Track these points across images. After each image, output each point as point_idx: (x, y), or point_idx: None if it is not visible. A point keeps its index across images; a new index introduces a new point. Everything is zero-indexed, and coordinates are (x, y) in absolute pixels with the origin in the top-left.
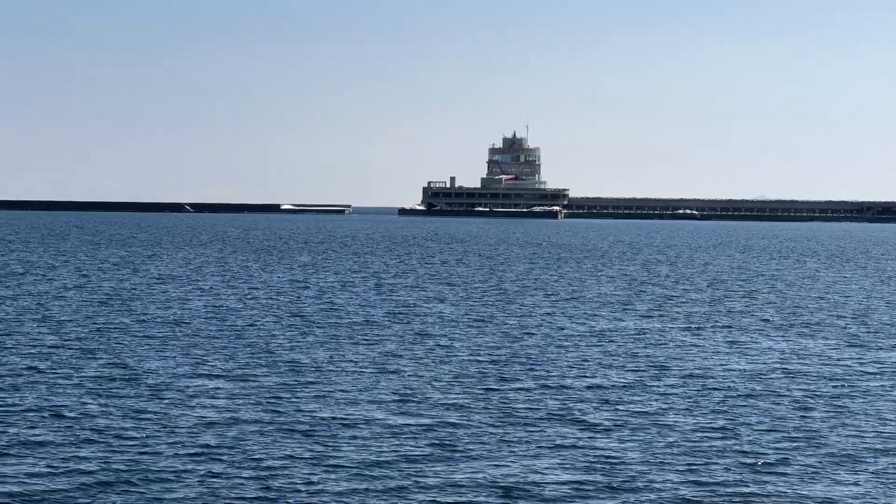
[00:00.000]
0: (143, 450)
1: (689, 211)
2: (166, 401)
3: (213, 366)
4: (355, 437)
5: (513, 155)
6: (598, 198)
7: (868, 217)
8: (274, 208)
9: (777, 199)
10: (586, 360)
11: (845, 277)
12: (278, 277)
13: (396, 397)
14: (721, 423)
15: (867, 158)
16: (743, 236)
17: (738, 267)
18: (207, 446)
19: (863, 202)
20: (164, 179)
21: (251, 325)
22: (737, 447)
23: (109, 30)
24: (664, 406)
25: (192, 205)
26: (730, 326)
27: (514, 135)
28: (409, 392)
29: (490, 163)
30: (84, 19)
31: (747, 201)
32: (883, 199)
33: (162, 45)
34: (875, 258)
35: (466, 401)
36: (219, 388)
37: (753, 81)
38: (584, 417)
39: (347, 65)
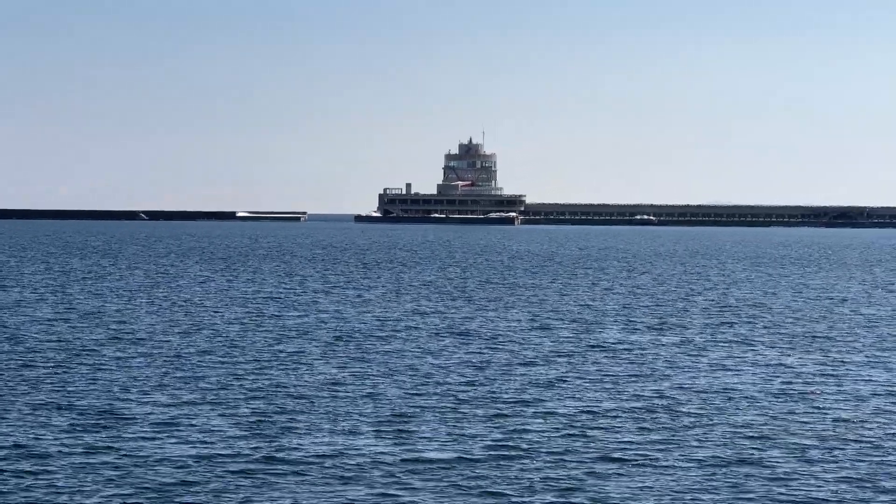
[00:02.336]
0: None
1: (645, 216)
2: (137, 429)
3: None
4: (343, 467)
5: (469, 161)
6: (555, 204)
7: (825, 221)
8: (229, 216)
9: (734, 203)
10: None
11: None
12: (257, 288)
13: (382, 423)
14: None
15: (825, 163)
16: (725, 242)
17: (762, 282)
18: (185, 482)
19: (820, 207)
20: (118, 187)
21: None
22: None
23: (55, 36)
24: (672, 434)
25: (146, 213)
26: (743, 342)
27: (471, 141)
28: (398, 418)
29: (446, 169)
30: (30, 27)
31: (704, 206)
32: (840, 204)
33: (118, 49)
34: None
35: (467, 430)
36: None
37: (712, 87)
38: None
39: (302, 73)
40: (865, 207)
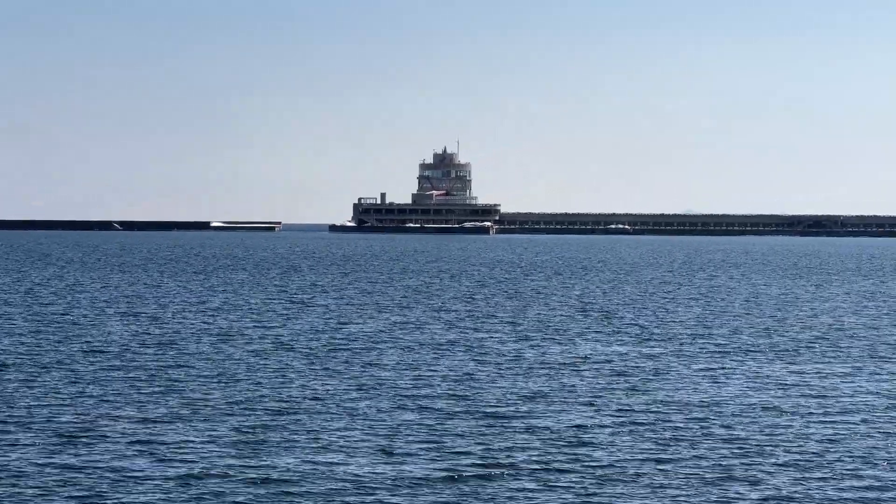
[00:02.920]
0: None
1: (620, 226)
2: (122, 446)
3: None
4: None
5: (443, 170)
6: (530, 213)
7: (799, 230)
8: (204, 226)
9: (709, 213)
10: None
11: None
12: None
13: (366, 440)
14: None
15: (799, 172)
16: (711, 251)
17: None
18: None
19: (793, 216)
20: (91, 197)
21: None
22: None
23: (25, 45)
24: (670, 444)
25: (120, 223)
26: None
27: (445, 150)
28: (382, 434)
29: (421, 178)
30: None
31: (679, 216)
32: (813, 213)
33: (92, 58)
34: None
35: (454, 446)
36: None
37: (686, 97)
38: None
39: (276, 82)
40: (839, 216)
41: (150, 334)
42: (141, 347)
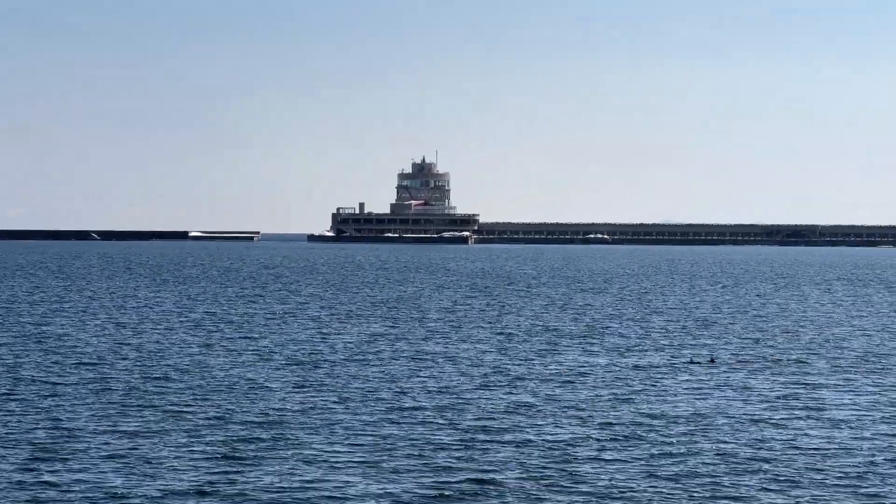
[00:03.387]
0: None
1: (600, 235)
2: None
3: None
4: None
5: (422, 180)
6: (509, 223)
7: (778, 240)
8: (182, 235)
9: (688, 222)
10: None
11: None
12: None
13: (352, 453)
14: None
15: (778, 182)
16: (714, 262)
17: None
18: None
19: (772, 225)
20: (69, 207)
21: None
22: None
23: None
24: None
25: (98, 232)
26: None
27: (424, 160)
28: (368, 448)
29: (399, 188)
30: None
31: (658, 225)
32: (792, 223)
33: (69, 68)
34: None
35: (440, 460)
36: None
37: (665, 107)
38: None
39: (255, 90)
40: (818, 226)
41: (128, 346)
42: (119, 360)
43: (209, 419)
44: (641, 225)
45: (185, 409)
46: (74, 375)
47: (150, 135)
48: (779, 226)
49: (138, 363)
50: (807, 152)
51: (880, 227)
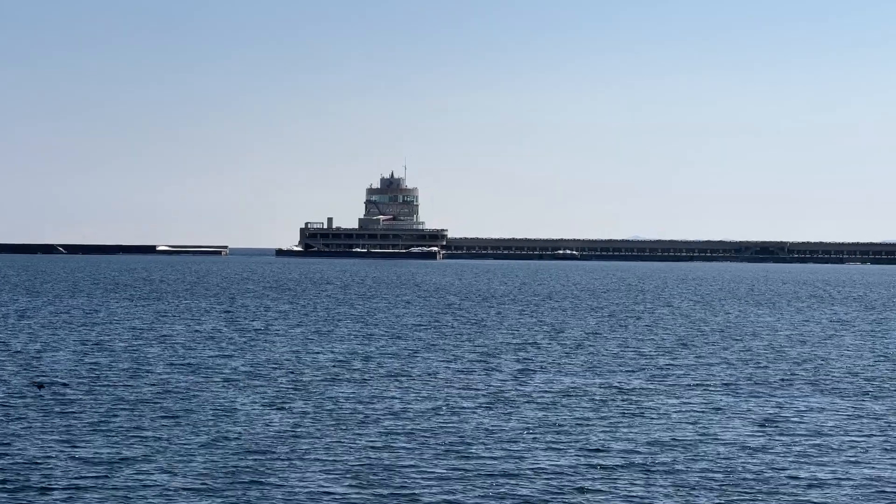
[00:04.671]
0: None
1: (568, 251)
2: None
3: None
4: None
5: (390, 195)
6: (477, 238)
7: (747, 257)
8: (150, 249)
9: (657, 238)
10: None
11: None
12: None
13: (341, 479)
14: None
15: (746, 199)
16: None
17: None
18: None
19: (741, 241)
20: (34, 220)
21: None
22: None
23: None
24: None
25: (64, 246)
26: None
27: (392, 175)
28: (358, 473)
29: (368, 203)
30: None
31: (627, 241)
32: (760, 239)
33: (36, 80)
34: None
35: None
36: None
37: (633, 123)
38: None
39: (223, 106)
40: (786, 242)
41: (98, 365)
42: (87, 381)
43: (189, 444)
44: (610, 241)
45: (159, 434)
46: (36, 397)
47: (117, 148)
48: (747, 242)
49: (108, 384)
50: (775, 170)
51: (848, 244)
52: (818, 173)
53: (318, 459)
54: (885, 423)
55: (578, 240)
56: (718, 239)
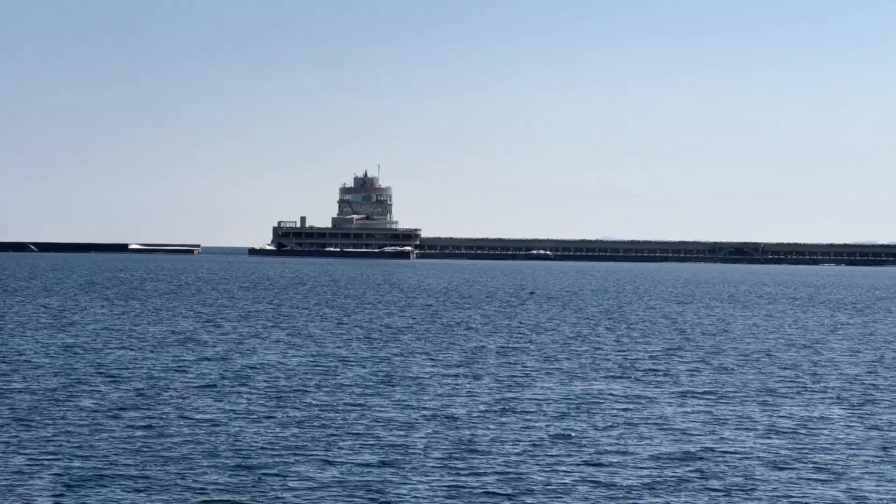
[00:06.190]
0: None
1: (542, 251)
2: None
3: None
4: None
5: (364, 195)
6: (451, 238)
7: (721, 258)
8: (122, 248)
9: (631, 238)
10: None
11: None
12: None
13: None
14: None
15: (720, 200)
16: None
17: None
18: None
19: (716, 242)
20: (5, 218)
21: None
22: None
23: None
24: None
25: (36, 244)
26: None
27: (366, 174)
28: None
29: (341, 202)
30: None
31: (601, 241)
32: (734, 240)
33: (5, 79)
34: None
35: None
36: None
37: (607, 123)
38: None
39: (195, 103)
40: (760, 243)
41: (74, 369)
42: (67, 385)
43: (160, 456)
44: (584, 241)
45: (130, 446)
46: (15, 405)
47: (90, 146)
48: (721, 243)
49: (84, 389)
50: (749, 171)
51: (822, 245)
52: (792, 175)
53: (302, 470)
54: (885, 424)
55: (552, 240)
56: (693, 240)
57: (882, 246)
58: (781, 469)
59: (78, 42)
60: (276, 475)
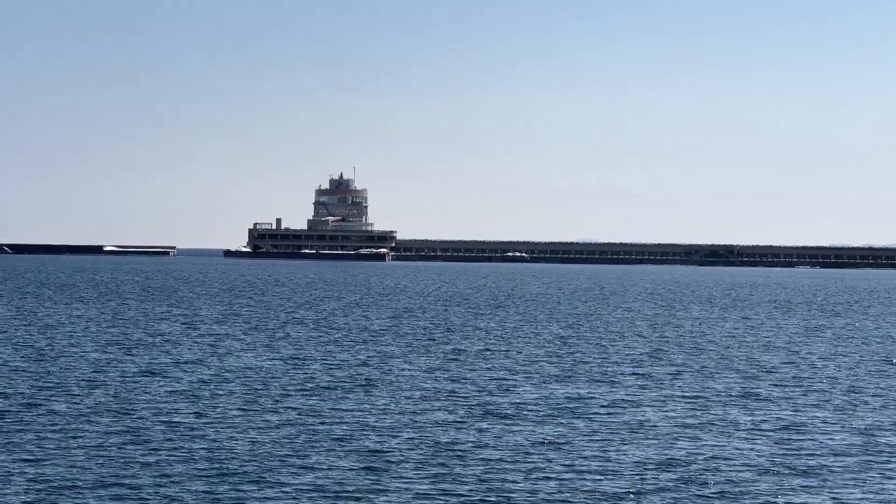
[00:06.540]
0: None
1: (518, 254)
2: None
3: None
4: None
5: (340, 196)
6: (426, 240)
7: (696, 260)
8: (96, 249)
9: (607, 241)
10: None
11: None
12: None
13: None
14: None
15: (695, 202)
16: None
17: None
18: None
19: (691, 245)
20: None
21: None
22: None
23: None
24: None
25: (10, 246)
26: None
27: (342, 176)
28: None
29: (317, 204)
30: None
31: (577, 244)
32: (710, 242)
33: None
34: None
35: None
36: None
37: (582, 126)
38: None
39: (172, 104)
40: (735, 246)
41: (51, 374)
42: (44, 389)
43: (142, 465)
44: (560, 244)
45: (112, 454)
46: None
47: (64, 147)
48: (697, 245)
49: (58, 393)
50: (725, 173)
51: (797, 247)
52: (767, 177)
53: (281, 476)
54: (869, 427)
55: (528, 242)
56: (668, 242)
57: (856, 248)
58: (765, 473)
59: (53, 45)
60: (254, 481)
